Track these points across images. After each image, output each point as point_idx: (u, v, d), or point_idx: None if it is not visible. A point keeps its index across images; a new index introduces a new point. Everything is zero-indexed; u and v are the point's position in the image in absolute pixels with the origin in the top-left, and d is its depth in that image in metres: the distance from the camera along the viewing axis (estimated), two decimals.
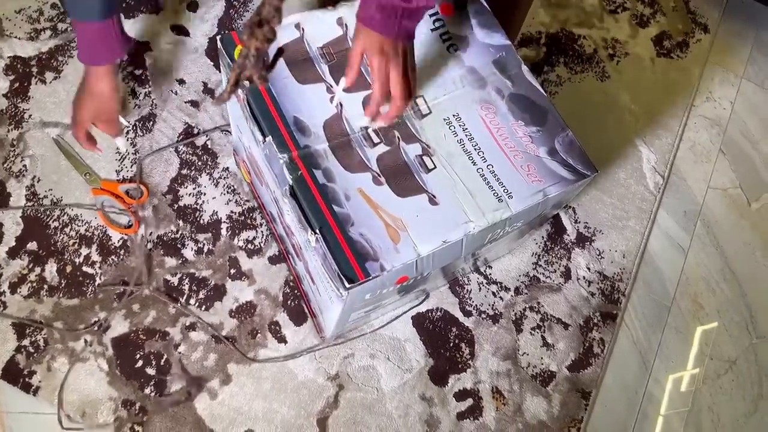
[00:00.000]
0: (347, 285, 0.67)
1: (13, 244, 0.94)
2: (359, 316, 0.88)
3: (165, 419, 0.88)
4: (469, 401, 0.97)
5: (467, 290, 1.03)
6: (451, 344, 1.00)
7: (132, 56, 1.08)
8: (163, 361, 0.91)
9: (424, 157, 0.76)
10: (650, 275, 1.11)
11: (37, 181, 0.98)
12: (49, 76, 1.05)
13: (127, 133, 1.03)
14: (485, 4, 0.85)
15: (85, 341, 0.90)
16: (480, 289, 1.04)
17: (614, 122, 1.20)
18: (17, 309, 0.91)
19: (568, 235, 1.10)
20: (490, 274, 1.05)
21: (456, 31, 0.84)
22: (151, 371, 0.91)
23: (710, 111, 1.25)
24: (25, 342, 0.89)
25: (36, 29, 1.07)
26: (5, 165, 0.98)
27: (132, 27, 1.10)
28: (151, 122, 1.04)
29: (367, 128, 0.77)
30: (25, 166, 0.99)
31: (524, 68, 0.82)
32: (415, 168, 0.75)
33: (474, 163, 0.76)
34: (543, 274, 1.06)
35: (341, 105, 0.77)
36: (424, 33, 0.82)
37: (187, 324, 0.94)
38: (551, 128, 0.80)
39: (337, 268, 0.68)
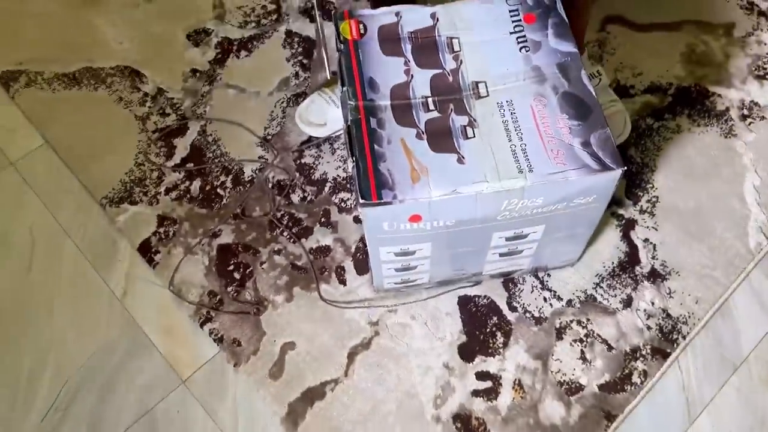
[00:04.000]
0: (362, 201, 0.82)
1: (178, 161, 1.25)
2: (395, 271, 1.00)
3: (231, 313, 1.08)
4: (488, 383, 1.01)
5: (519, 289, 1.09)
6: (488, 330, 1.06)
7: (305, 52, 1.36)
8: (248, 270, 1.13)
9: (467, 128, 0.88)
10: (724, 329, 1.05)
11: (209, 123, 1.29)
12: (242, 54, 1.37)
13: (282, 103, 1.30)
14: (564, 16, 0.96)
15: (200, 241, 1.16)
16: (532, 291, 1.08)
17: (728, 176, 1.17)
18: (164, 205, 1.20)
19: (641, 267, 1.10)
20: (547, 281, 1.09)
21: (532, 36, 0.95)
22: (237, 275, 1.12)
23: None
24: (161, 230, 1.17)
25: (246, 21, 1.42)
26: (193, 108, 1.31)
27: (311, 28, 1.39)
28: (302, 99, 1.30)
29: (428, 97, 0.92)
30: (205, 111, 1.30)
31: (583, 73, 0.90)
32: (456, 134, 0.88)
33: (510, 140, 0.86)
34: (602, 295, 1.08)
35: (413, 76, 0.93)
36: (503, 34, 0.95)
37: (275, 249, 1.14)
38: (592, 125, 0.86)
39: (358, 188, 0.83)
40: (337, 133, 1.23)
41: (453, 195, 0.83)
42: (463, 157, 0.85)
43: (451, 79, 0.93)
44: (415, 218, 0.87)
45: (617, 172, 0.83)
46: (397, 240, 0.92)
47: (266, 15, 1.43)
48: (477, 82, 0.92)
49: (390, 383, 1.02)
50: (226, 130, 1.28)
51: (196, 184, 1.22)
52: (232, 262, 1.14)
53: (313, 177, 1.22)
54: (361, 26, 0.98)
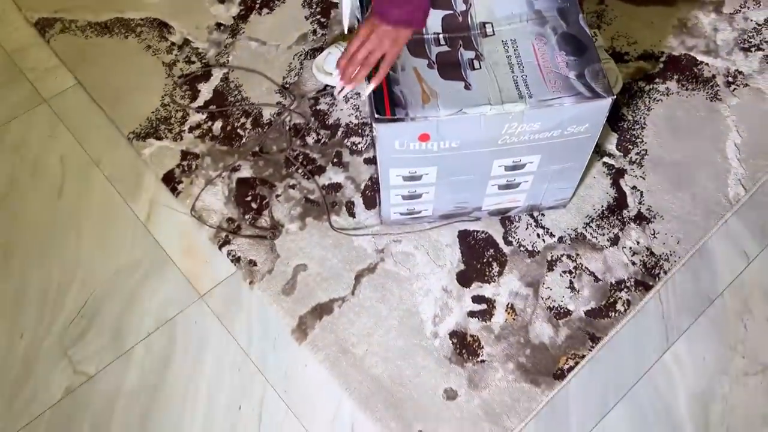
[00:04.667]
0: (377, 116, 0.91)
1: (202, 104, 1.34)
2: (402, 199, 1.09)
3: (248, 236, 1.17)
4: (483, 306, 1.10)
5: (515, 226, 1.17)
6: (485, 260, 1.14)
7: (322, 12, 1.46)
8: (264, 202, 1.21)
9: (474, 61, 0.98)
10: (702, 267, 1.13)
11: (231, 71, 1.38)
12: (264, 11, 1.47)
13: (300, 56, 1.39)
14: None
15: (220, 174, 1.24)
16: (527, 228, 1.17)
17: (712, 134, 1.27)
18: (187, 142, 1.29)
19: (628, 211, 1.19)
20: (541, 220, 1.18)
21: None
22: (254, 205, 1.21)
23: None
24: (184, 162, 1.26)
25: None
26: (216, 57, 1.40)
27: None
28: (319, 53, 1.39)
29: (439, 34, 1.01)
30: (228, 60, 1.40)
31: (581, 17, 1.00)
32: (464, 65, 0.97)
33: (512, 72, 0.96)
34: (591, 234, 1.16)
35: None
36: None
37: (290, 184, 1.23)
38: (587, 60, 0.96)
39: (374, 107, 0.92)
40: None
41: (459, 115, 0.92)
42: (470, 85, 0.95)
43: (460, 19, 1.02)
44: (424, 137, 0.96)
45: (607, 101, 0.93)
46: (406, 161, 1.01)
47: None
48: (484, 23, 1.02)
49: (392, 302, 1.10)
50: (247, 78, 1.37)
51: (218, 125, 1.31)
52: (250, 193, 1.22)
53: (327, 122, 1.31)
54: None
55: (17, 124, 1.32)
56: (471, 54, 0.98)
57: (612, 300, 1.10)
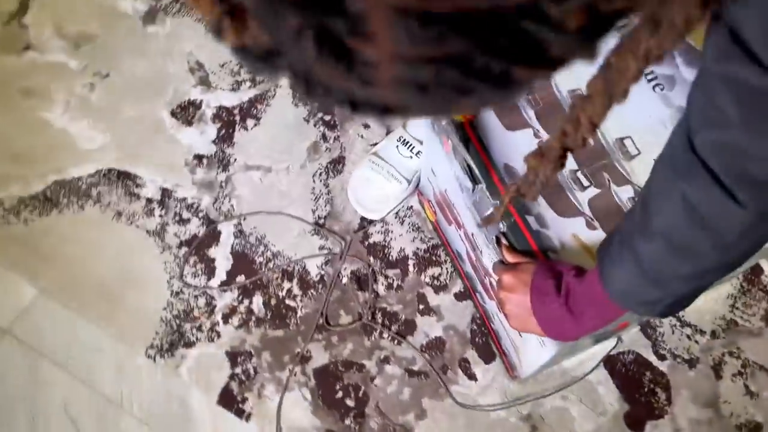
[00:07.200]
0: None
1: (224, 277, 1.03)
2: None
3: None
4: None
5: (660, 332, 1.00)
6: (646, 389, 0.96)
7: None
8: (361, 393, 0.96)
9: (635, 199, 0.75)
10: None
11: (243, 220, 1.07)
12: (250, 123, 1.14)
13: (320, 175, 1.10)
14: (690, 41, 0.84)
15: (290, 371, 0.96)
16: (673, 332, 1.00)
17: None
18: (229, 337, 0.99)
19: (766, 276, 1.04)
20: (683, 316, 1.01)
21: (661, 71, 0.83)
22: (350, 402, 0.95)
23: None
24: (237, 370, 0.97)
25: (237, 81, 1.18)
26: (215, 205, 1.08)
27: None
28: (341, 164, 1.11)
29: (576, 171, 0.77)
30: (232, 206, 1.08)
31: None
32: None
33: None
34: (741, 317, 1.01)
35: None
36: None
37: (382, 357, 0.98)
38: None
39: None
40: (398, 208, 1.06)
41: None
42: None
43: (591, 141, 0.79)
44: (623, 325, 0.74)
45: None
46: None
47: None
48: (621, 139, 0.79)
49: None
50: (267, 224, 1.06)
51: (258, 301, 1.01)
52: (338, 386, 0.96)
53: (390, 257, 1.04)
54: None
55: None
56: (628, 191, 0.76)
57: None
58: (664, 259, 0.53)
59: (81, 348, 0.98)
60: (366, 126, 1.14)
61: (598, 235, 0.73)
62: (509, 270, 0.72)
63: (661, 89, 0.82)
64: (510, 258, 0.74)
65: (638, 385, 0.97)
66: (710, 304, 1.02)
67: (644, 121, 0.80)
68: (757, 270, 1.04)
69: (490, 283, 0.88)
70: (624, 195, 0.76)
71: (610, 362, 0.98)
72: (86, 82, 1.17)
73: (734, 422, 0.95)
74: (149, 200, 1.08)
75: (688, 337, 1.00)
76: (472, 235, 0.86)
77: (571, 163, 0.77)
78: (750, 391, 0.96)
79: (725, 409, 0.95)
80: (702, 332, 1.00)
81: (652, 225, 0.53)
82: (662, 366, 0.98)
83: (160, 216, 1.07)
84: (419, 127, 1.04)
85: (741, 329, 1.00)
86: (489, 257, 0.81)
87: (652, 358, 0.98)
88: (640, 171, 0.77)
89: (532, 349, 0.81)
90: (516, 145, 0.78)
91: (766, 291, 1.03)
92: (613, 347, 0.98)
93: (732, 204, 0.46)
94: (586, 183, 0.77)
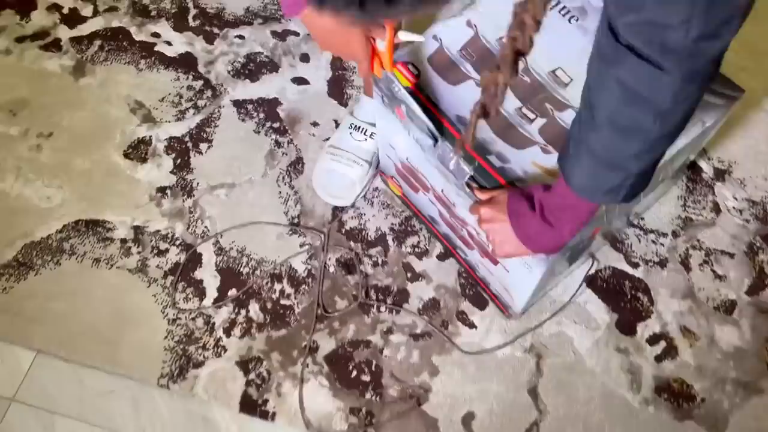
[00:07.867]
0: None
1: (216, 294, 1.05)
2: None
3: (391, 417, 0.96)
4: (663, 344, 1.00)
5: (628, 244, 1.08)
6: (629, 296, 1.04)
7: (267, 114, 1.20)
8: (374, 366, 1.00)
9: None
10: None
11: (221, 237, 1.09)
12: (203, 146, 1.17)
13: (283, 178, 1.14)
14: None
15: (302, 363, 1.00)
16: (639, 240, 1.08)
17: None
18: (235, 349, 1.01)
19: (705, 172, 1.14)
20: (645, 224, 1.09)
21: (572, 3, 0.91)
22: (366, 378, 0.99)
23: None
24: (251, 375, 0.99)
25: (180, 110, 1.21)
26: (189, 230, 1.10)
27: (260, 88, 1.22)
28: (300, 164, 1.15)
29: (521, 108, 0.84)
30: (206, 227, 1.10)
31: None
32: None
33: None
34: (693, 213, 1.10)
35: None
36: None
37: (385, 329, 1.02)
38: None
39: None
40: (364, 191, 1.11)
41: None
42: None
43: (528, 79, 0.86)
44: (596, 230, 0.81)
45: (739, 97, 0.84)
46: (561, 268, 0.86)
47: (198, 95, 1.23)
48: (553, 71, 0.87)
49: (582, 395, 0.97)
50: (244, 236, 1.10)
51: (254, 308, 1.04)
52: (351, 366, 1.00)
53: (369, 238, 1.09)
54: (410, 67, 0.87)
55: None
56: (571, 114, 0.83)
57: (758, 268, 1.06)
58: (614, 144, 0.60)
59: (92, 396, 0.99)
60: (314, 124, 1.19)
61: (553, 158, 0.80)
62: (485, 204, 0.78)
63: (576, 20, 0.90)
64: (483, 196, 0.80)
65: (621, 295, 1.04)
66: (665, 208, 1.11)
67: (568, 52, 0.87)
68: (696, 169, 1.14)
69: (468, 233, 0.94)
70: (567, 118, 0.83)
71: (591, 282, 1.05)
72: (32, 144, 1.18)
73: (711, 305, 1.03)
74: (123, 240, 1.09)
75: (653, 241, 1.08)
76: (442, 191, 0.91)
77: (515, 102, 0.84)
78: (718, 275, 1.05)
79: (701, 295, 1.04)
80: (664, 234, 1.09)
81: (597, 117, 0.60)
82: (637, 273, 1.06)
83: (138, 253, 1.08)
84: (366, 111, 1.09)
85: (696, 223, 1.10)
86: (464, 206, 0.87)
87: (627, 268, 1.06)
88: (576, 95, 0.83)
89: (521, 279, 0.88)
90: (462, 97, 0.85)
91: (709, 185, 1.13)
92: (590, 267, 1.05)
93: (659, 73, 0.53)
94: (532, 116, 0.84)
